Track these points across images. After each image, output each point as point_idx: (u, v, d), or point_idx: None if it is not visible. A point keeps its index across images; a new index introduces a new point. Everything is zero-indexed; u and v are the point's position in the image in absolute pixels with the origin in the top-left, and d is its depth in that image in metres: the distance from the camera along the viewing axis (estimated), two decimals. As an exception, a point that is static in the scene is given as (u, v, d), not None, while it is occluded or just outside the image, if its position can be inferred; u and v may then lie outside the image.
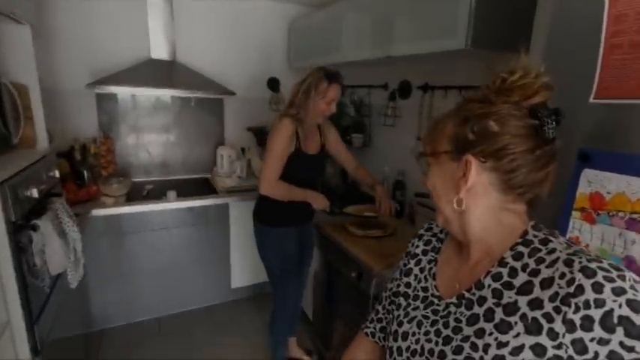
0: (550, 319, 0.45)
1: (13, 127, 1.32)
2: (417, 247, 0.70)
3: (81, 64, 2.26)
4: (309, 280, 2.07)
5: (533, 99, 0.50)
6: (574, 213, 0.71)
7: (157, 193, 2.28)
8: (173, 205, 2.16)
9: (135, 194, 2.25)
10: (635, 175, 0.62)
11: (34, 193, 1.21)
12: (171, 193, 2.15)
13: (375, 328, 0.76)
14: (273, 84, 2.76)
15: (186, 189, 2.35)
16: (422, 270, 0.66)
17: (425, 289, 0.63)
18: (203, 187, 2.50)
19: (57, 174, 1.54)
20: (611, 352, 0.42)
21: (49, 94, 1.77)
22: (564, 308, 0.44)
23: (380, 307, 0.76)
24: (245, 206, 2.36)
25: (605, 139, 0.68)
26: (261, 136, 2.63)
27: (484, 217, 0.54)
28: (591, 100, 0.68)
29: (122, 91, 2.34)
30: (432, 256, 0.67)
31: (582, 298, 0.43)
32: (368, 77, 2.36)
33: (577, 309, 0.43)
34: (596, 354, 0.42)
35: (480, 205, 0.53)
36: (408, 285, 0.67)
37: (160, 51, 2.36)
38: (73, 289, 1.45)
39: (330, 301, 1.94)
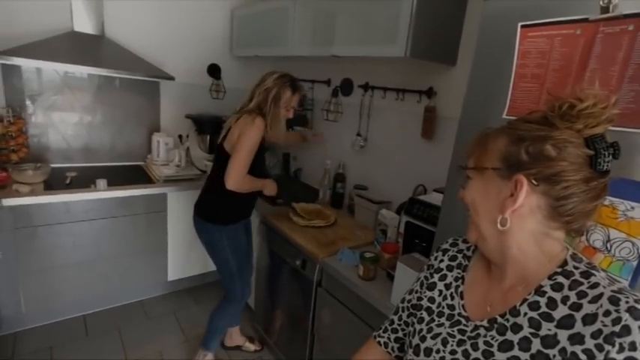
0: (591, 356, 0.45)
1: None
2: (442, 261, 0.69)
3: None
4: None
5: (594, 129, 0.48)
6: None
7: (83, 180, 2.09)
8: (104, 194, 2.00)
9: (55, 182, 2.04)
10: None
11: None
12: (101, 182, 2.00)
13: (389, 339, 0.75)
14: (214, 70, 2.68)
15: (117, 177, 2.19)
16: (447, 286, 0.65)
17: (451, 307, 0.63)
18: (136, 175, 2.35)
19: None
20: None
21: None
22: (607, 347, 0.44)
23: (395, 318, 0.75)
24: (185, 196, 2.28)
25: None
26: (201, 124, 2.55)
27: (525, 240, 0.53)
28: (504, 115, 0.84)
29: (34, 65, 2.07)
30: (459, 274, 0.65)
31: (628, 339, 0.43)
32: (312, 72, 2.43)
33: (621, 349, 0.43)
34: None
35: (524, 227, 0.52)
36: (431, 300, 0.66)
37: (84, 24, 2.14)
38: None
39: (272, 289, 2.01)
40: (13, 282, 1.89)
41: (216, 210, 1.70)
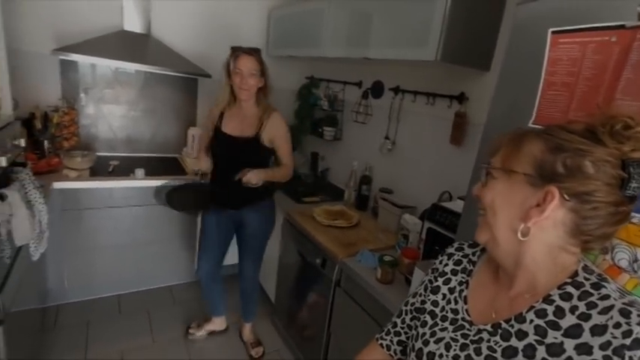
0: None
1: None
2: (446, 265, 0.68)
3: (48, 29, 2.15)
4: (273, 264, 2.16)
5: (637, 153, 0.46)
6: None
7: (123, 169, 2.24)
8: (140, 183, 2.14)
9: (99, 169, 2.20)
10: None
11: (2, 161, 1.18)
12: (139, 171, 2.13)
13: (391, 342, 0.74)
14: (250, 69, 2.77)
15: (154, 167, 2.32)
16: (451, 290, 0.65)
17: (455, 312, 0.62)
18: (172, 166, 2.48)
19: (22, 143, 1.49)
20: None
21: (10, 56, 1.69)
22: (616, 359, 0.43)
23: (398, 320, 0.75)
24: (215, 189, 2.38)
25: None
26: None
27: (540, 251, 0.51)
28: (530, 124, 0.81)
29: (88, 61, 2.26)
30: (463, 278, 0.65)
31: (638, 352, 0.42)
32: (343, 73, 2.45)
33: None
34: None
35: (542, 239, 0.50)
36: (435, 303, 0.66)
37: (133, 23, 2.30)
38: (31, 262, 1.44)
39: (293, 285, 2.05)
40: (58, 259, 2.06)
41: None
